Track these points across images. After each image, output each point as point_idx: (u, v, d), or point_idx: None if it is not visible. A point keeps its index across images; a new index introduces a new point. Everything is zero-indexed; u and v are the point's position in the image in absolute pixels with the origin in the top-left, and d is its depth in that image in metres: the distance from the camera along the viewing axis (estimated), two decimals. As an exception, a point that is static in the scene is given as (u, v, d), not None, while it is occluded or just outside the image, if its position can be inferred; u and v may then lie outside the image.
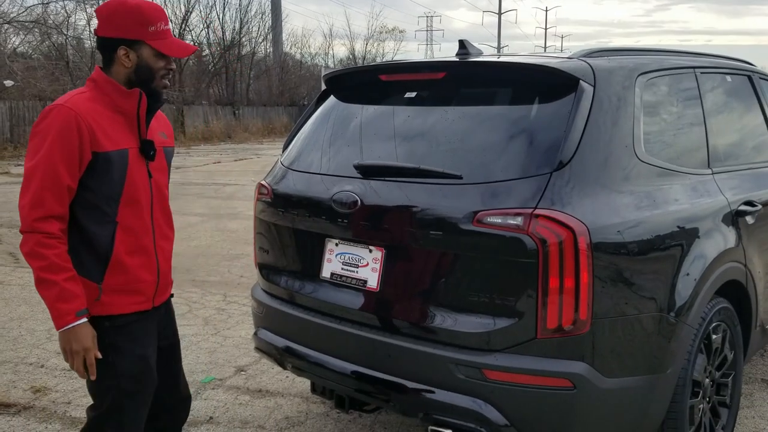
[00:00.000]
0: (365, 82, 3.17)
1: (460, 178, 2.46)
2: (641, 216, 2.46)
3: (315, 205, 2.82)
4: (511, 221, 2.28)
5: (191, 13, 30.01)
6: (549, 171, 2.35)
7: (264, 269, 3.12)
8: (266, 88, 34.85)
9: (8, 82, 21.51)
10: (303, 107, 35.32)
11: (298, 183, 2.97)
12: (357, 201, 2.63)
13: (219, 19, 31.38)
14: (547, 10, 68.45)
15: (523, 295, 2.28)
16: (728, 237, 2.89)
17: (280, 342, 2.93)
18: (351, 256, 2.70)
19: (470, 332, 2.37)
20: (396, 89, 2.94)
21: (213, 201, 11.03)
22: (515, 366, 2.29)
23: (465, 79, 2.83)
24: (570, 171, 2.36)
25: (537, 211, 2.27)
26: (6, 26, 22.63)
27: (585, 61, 2.60)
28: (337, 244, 2.75)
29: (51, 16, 24.45)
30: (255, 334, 3.12)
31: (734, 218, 2.96)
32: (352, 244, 2.69)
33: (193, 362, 4.17)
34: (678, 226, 2.61)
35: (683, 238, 2.62)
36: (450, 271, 2.44)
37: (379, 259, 2.59)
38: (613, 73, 2.62)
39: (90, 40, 26.89)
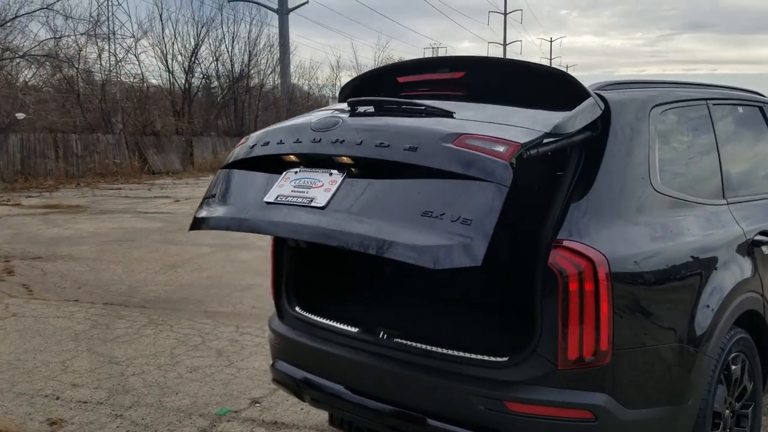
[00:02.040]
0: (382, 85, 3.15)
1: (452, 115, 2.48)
2: (658, 247, 2.49)
3: (292, 134, 2.64)
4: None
5: (201, 46, 30.45)
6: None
7: (208, 205, 2.78)
8: (274, 119, 35.07)
9: (20, 115, 21.81)
10: (310, 138, 35.45)
11: (281, 133, 2.74)
12: (338, 122, 2.53)
13: (228, 51, 31.76)
14: (552, 41, 69.40)
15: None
16: (745, 267, 2.90)
17: (298, 374, 2.94)
18: (307, 180, 2.49)
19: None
20: (413, 90, 2.98)
21: (223, 231, 11.05)
22: (536, 398, 2.29)
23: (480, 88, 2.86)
24: (587, 202, 2.39)
25: (556, 242, 2.29)
26: (18, 60, 23.02)
27: (599, 95, 2.64)
28: (296, 172, 2.55)
29: (62, 50, 24.90)
30: (272, 365, 3.13)
31: (750, 248, 2.98)
32: (313, 169, 2.51)
33: (207, 394, 4.17)
34: (695, 257, 2.63)
35: (700, 268, 2.64)
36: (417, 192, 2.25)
37: (338, 181, 2.41)
38: (627, 106, 2.66)
39: (101, 72, 27.37)
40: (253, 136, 2.83)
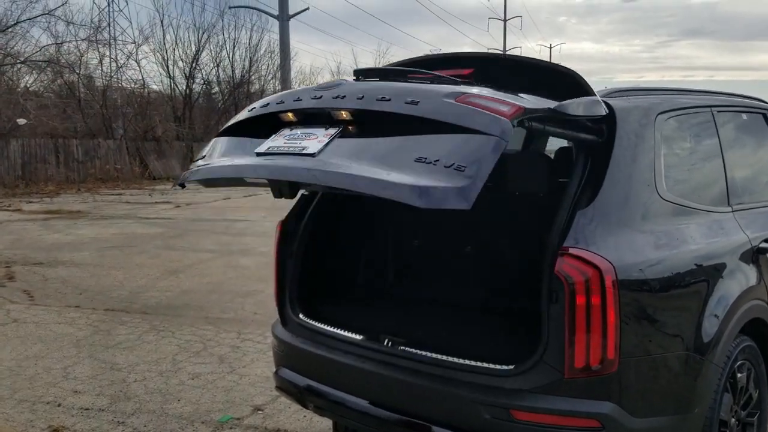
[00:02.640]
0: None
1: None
2: (664, 254, 2.48)
3: (293, 95, 2.60)
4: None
5: (202, 52, 30.49)
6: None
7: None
8: (275, 125, 35.12)
9: (21, 121, 21.85)
10: (311, 143, 35.51)
11: (284, 96, 2.71)
12: (342, 83, 2.51)
13: (229, 57, 31.81)
14: (551, 47, 69.43)
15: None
16: (750, 275, 2.89)
17: (302, 381, 2.93)
18: (302, 134, 2.43)
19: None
20: None
21: (224, 237, 11.07)
22: (543, 406, 2.28)
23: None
24: (593, 209, 2.39)
25: (562, 249, 2.29)
26: (20, 65, 23.07)
27: (605, 102, 2.64)
28: (291, 128, 2.50)
29: (64, 56, 24.94)
30: (275, 372, 3.12)
31: (755, 255, 2.97)
32: (310, 125, 2.45)
33: (209, 401, 4.15)
34: (701, 265, 2.62)
35: (706, 276, 2.63)
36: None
37: (333, 133, 2.36)
38: (632, 113, 2.66)
39: (102, 78, 27.41)
40: (256, 102, 2.81)
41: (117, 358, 4.96)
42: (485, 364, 2.44)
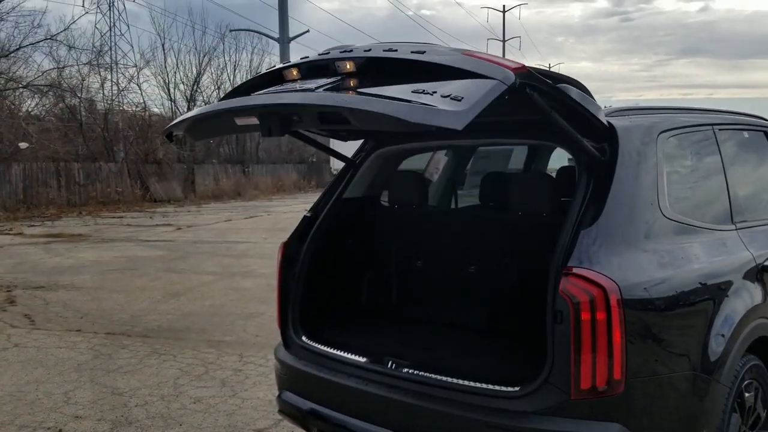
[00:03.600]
0: None
1: None
2: (668, 274, 2.47)
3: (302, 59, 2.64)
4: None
5: (203, 75, 30.73)
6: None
7: None
8: (276, 146, 35.28)
9: (23, 145, 21.92)
10: (312, 164, 35.73)
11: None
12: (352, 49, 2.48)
13: (230, 80, 32.02)
14: (550, 67, 70.07)
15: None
16: (755, 293, 2.87)
17: (305, 405, 2.90)
18: (303, 82, 2.48)
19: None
20: None
21: (225, 259, 11.04)
22: (549, 428, 2.26)
23: None
24: (597, 229, 2.38)
25: (566, 269, 2.28)
26: (22, 90, 23.20)
27: (608, 122, 2.64)
28: (293, 81, 2.52)
29: (65, 80, 25.09)
30: (279, 396, 3.09)
31: (760, 273, 2.95)
32: (314, 78, 2.46)
33: (211, 425, 4.11)
34: (705, 283, 2.61)
35: (711, 295, 2.62)
36: None
37: (335, 78, 2.38)
38: (634, 132, 2.67)
39: (103, 101, 27.57)
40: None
41: (118, 382, 4.92)
42: (490, 386, 2.42)
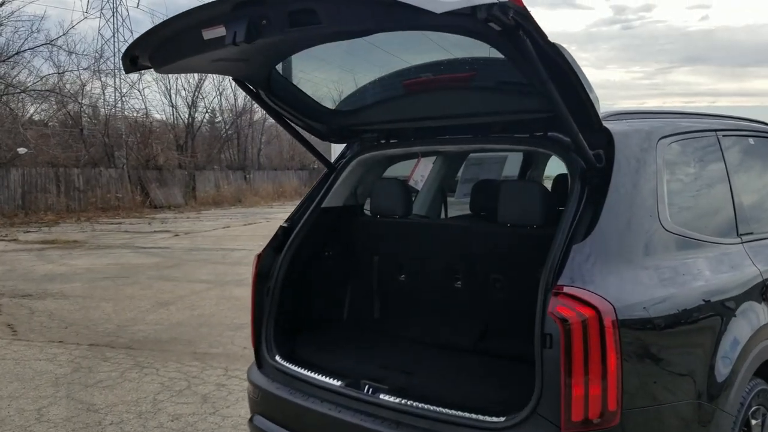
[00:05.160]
0: None
1: None
2: (668, 292, 2.26)
3: None
4: None
5: (204, 80, 30.61)
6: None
7: None
8: (277, 153, 35.21)
9: (21, 150, 21.81)
10: (313, 171, 35.59)
11: None
12: None
13: (231, 86, 31.91)
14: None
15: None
16: (762, 312, 2.65)
17: (278, 431, 2.69)
18: None
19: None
20: None
21: (220, 267, 10.85)
22: None
23: None
24: (591, 243, 2.17)
25: (556, 288, 2.06)
26: (22, 95, 23.10)
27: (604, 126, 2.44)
28: None
29: (67, 85, 25.00)
30: (250, 420, 2.88)
31: (766, 291, 2.74)
32: None
33: (188, 446, 3.90)
34: (710, 302, 2.39)
35: (715, 315, 2.40)
36: None
37: None
38: (632, 137, 2.46)
39: (104, 107, 27.46)
40: None
41: (95, 398, 4.72)
42: (473, 416, 2.20)
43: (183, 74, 30.39)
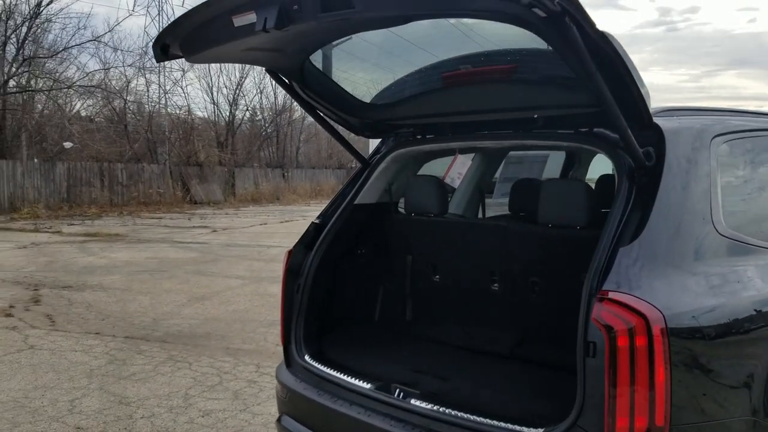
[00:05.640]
0: None
1: None
2: (721, 301, 2.10)
3: None
4: None
5: (246, 78, 30.92)
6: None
7: None
8: (315, 151, 35.36)
9: (67, 144, 22.33)
10: (351, 170, 35.64)
11: None
12: None
13: (272, 84, 32.15)
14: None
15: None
16: None
17: (306, 432, 2.61)
18: None
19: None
20: None
21: (256, 263, 10.88)
22: None
23: None
24: (639, 246, 2.03)
25: (601, 294, 1.93)
26: (68, 90, 23.64)
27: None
28: None
29: (112, 81, 25.52)
30: (278, 420, 2.81)
31: None
32: None
33: (217, 443, 3.86)
34: (761, 312, 2.22)
35: None
36: None
37: None
38: (683, 135, 2.30)
39: (148, 104, 27.95)
40: None
41: (128, 390, 4.72)
42: (510, 426, 2.08)
43: (223, 71, 30.75)
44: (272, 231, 16.05)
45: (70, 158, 22.69)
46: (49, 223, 17.28)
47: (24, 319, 6.82)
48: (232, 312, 7.27)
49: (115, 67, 25.19)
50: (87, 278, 9.20)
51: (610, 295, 1.92)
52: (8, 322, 6.68)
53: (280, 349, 5.70)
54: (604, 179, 3.67)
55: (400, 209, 3.28)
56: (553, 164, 4.48)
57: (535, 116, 2.51)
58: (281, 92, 32.55)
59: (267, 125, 32.48)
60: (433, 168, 3.45)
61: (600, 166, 4.46)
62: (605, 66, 1.94)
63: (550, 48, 2.08)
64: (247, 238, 14.42)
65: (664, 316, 1.90)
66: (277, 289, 8.47)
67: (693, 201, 2.21)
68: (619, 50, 1.93)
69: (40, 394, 4.64)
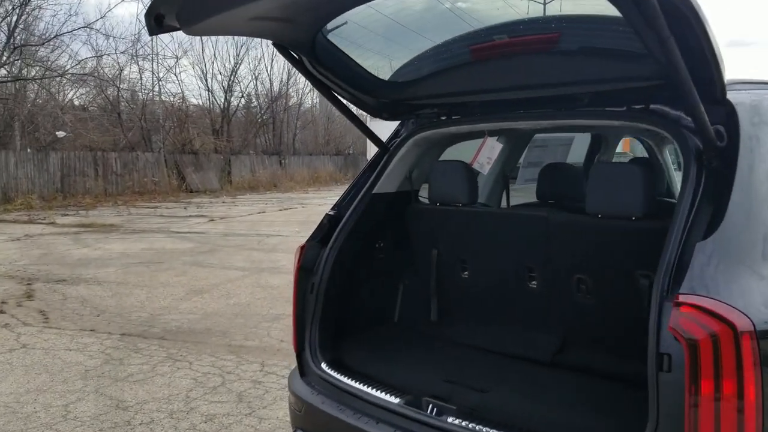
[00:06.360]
0: None
1: None
2: None
3: None
4: None
5: (240, 65, 30.53)
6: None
7: None
8: (312, 138, 34.98)
9: (60, 133, 21.92)
10: (348, 156, 35.29)
11: None
12: None
13: (267, 70, 31.93)
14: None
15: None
16: None
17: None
18: None
19: None
20: None
21: (255, 253, 10.59)
22: None
23: None
24: (715, 243, 1.74)
25: (677, 298, 1.65)
26: (60, 79, 23.18)
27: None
28: None
29: (105, 69, 25.06)
30: (292, 435, 2.53)
31: None
32: None
33: (222, 451, 3.58)
34: None
35: None
36: None
37: None
38: (762, 111, 2.01)
39: (142, 92, 27.49)
40: None
41: (125, 393, 4.44)
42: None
43: (218, 57, 30.30)
44: (271, 219, 15.74)
45: (63, 147, 22.28)
46: (43, 213, 16.94)
47: (16, 315, 6.52)
48: (233, 305, 6.99)
49: (108, 55, 24.77)
50: (81, 271, 8.91)
51: (690, 299, 1.63)
52: (0, 319, 6.39)
53: (285, 345, 5.47)
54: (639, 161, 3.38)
55: (421, 198, 2.98)
56: (579, 147, 4.18)
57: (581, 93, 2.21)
58: (277, 78, 32.19)
59: (263, 112, 32.04)
60: (453, 153, 3.15)
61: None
62: (680, 30, 1.64)
63: (602, 12, 1.79)
64: (246, 227, 14.11)
65: (753, 322, 1.62)
66: (278, 281, 8.25)
67: None
68: (699, 11, 1.63)
69: (32, 398, 4.35)
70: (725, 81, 1.86)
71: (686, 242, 1.77)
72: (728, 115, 1.94)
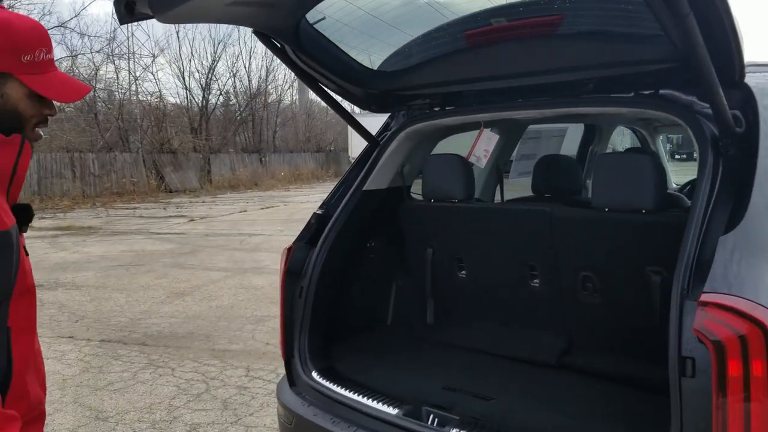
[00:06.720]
0: None
1: None
2: None
3: None
4: None
5: (218, 62, 30.06)
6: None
7: None
8: (293, 135, 34.70)
9: (35, 134, 21.44)
10: (330, 153, 35.09)
11: None
12: None
13: (245, 67, 31.58)
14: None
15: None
16: None
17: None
18: None
19: None
20: None
21: (237, 253, 10.39)
22: None
23: None
24: (736, 237, 1.62)
25: (701, 298, 1.52)
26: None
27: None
28: None
29: (80, 69, 24.60)
30: (282, 449, 2.37)
31: None
32: None
33: (208, 463, 3.42)
34: None
35: None
36: None
37: None
38: None
39: (118, 91, 27.05)
40: None
41: (105, 403, 4.26)
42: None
43: (195, 55, 29.91)
44: (253, 218, 15.52)
45: (39, 149, 21.82)
46: (19, 217, 16.55)
47: (-11, 324, 6.28)
48: (216, 308, 6.80)
49: (83, 54, 24.31)
50: (59, 275, 8.66)
51: (714, 298, 1.51)
52: (-28, 327, 6.15)
53: (270, 347, 5.30)
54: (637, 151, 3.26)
55: (414, 195, 2.84)
56: (572, 138, 4.05)
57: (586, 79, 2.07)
58: (256, 75, 31.83)
59: (242, 109, 31.70)
60: (445, 146, 3.01)
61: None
62: (700, 5, 1.51)
63: None
64: (227, 227, 13.88)
65: (784, 324, 1.49)
66: (262, 281, 8.06)
67: None
68: None
69: (5, 412, 4.15)
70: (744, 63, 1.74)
71: (705, 236, 1.64)
72: (745, 99, 1.82)
